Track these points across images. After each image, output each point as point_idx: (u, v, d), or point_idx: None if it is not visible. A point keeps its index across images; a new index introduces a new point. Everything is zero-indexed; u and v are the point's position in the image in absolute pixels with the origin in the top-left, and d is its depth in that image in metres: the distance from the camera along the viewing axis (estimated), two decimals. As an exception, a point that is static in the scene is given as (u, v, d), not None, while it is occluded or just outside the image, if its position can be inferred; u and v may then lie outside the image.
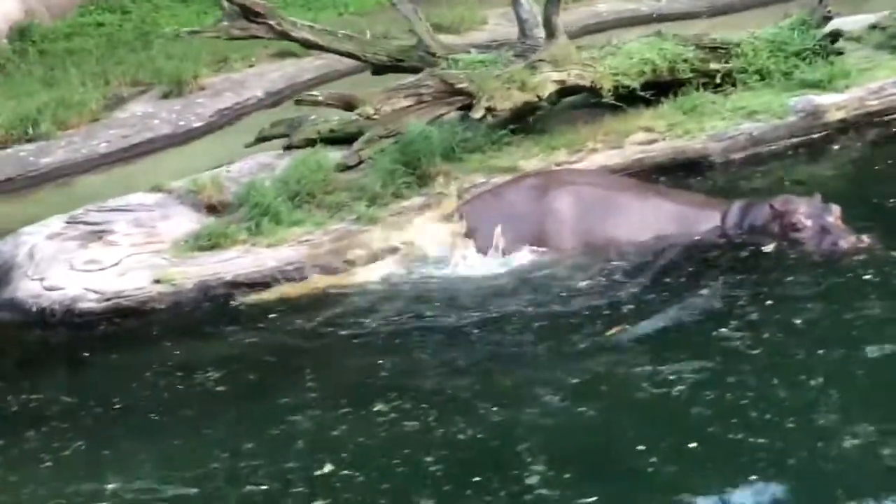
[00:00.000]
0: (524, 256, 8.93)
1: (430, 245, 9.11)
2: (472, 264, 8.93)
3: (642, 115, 10.56)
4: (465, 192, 9.63)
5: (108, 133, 12.85)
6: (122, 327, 8.60)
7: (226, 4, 10.94)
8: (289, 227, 9.35)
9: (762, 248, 8.71)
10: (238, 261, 9.02)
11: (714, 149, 10.41)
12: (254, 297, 8.77)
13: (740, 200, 9.10)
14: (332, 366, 7.90)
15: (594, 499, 6.13)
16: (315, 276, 8.92)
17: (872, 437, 6.37)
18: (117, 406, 7.58)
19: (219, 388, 7.69)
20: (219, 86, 14.11)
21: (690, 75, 10.92)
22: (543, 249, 8.95)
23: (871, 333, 7.41)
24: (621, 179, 9.79)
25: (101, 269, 8.97)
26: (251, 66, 14.70)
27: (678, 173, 10.22)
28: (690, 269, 8.63)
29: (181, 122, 13.19)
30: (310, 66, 14.38)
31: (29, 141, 12.59)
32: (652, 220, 9.01)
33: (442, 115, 10.45)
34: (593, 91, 10.56)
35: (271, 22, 10.98)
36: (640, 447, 6.52)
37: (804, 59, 11.20)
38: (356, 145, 10.28)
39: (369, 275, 8.89)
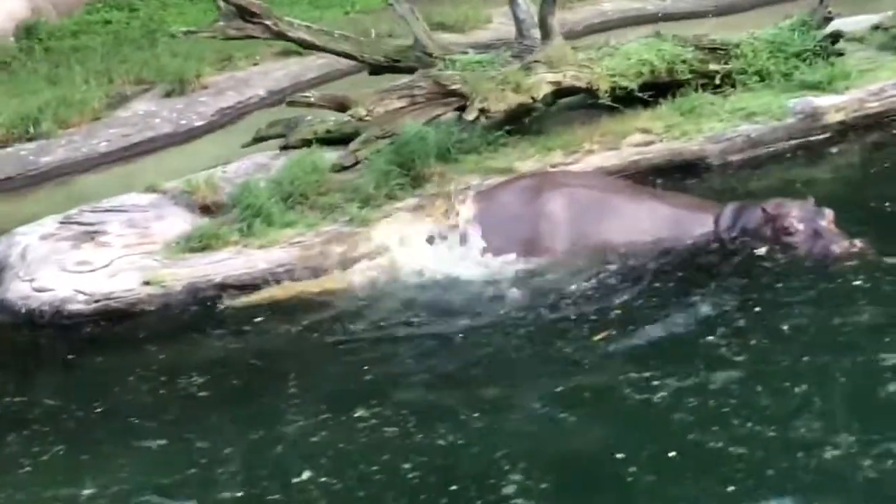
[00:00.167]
0: (516, 259, 8.83)
1: (422, 247, 9.01)
2: (464, 267, 8.85)
3: (640, 117, 10.45)
4: (459, 193, 9.50)
5: (108, 132, 12.79)
6: (110, 329, 8.56)
7: (222, 4, 10.89)
8: (281, 229, 9.29)
9: (754, 251, 8.61)
10: (228, 262, 8.97)
11: (711, 151, 10.31)
12: (242, 300, 8.73)
13: (733, 203, 8.99)
14: (316, 371, 7.85)
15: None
16: (305, 278, 8.86)
17: (853, 447, 6.31)
18: (99, 409, 7.55)
19: (201, 393, 7.66)
20: (222, 84, 14.02)
21: (689, 76, 10.82)
22: (536, 252, 8.86)
23: (859, 340, 7.34)
24: (615, 182, 9.69)
25: (91, 271, 8.93)
26: (255, 64, 14.60)
27: (675, 175, 10.11)
28: (681, 273, 8.54)
29: (182, 121, 13.11)
30: (313, 64, 14.22)
31: (30, 140, 12.53)
32: (645, 222, 8.92)
33: (438, 115, 10.37)
34: (590, 92, 10.49)
35: (267, 22, 10.91)
36: (620, 455, 6.48)
37: (804, 60, 11.08)
38: (352, 146, 10.23)
39: (359, 277, 8.82)
